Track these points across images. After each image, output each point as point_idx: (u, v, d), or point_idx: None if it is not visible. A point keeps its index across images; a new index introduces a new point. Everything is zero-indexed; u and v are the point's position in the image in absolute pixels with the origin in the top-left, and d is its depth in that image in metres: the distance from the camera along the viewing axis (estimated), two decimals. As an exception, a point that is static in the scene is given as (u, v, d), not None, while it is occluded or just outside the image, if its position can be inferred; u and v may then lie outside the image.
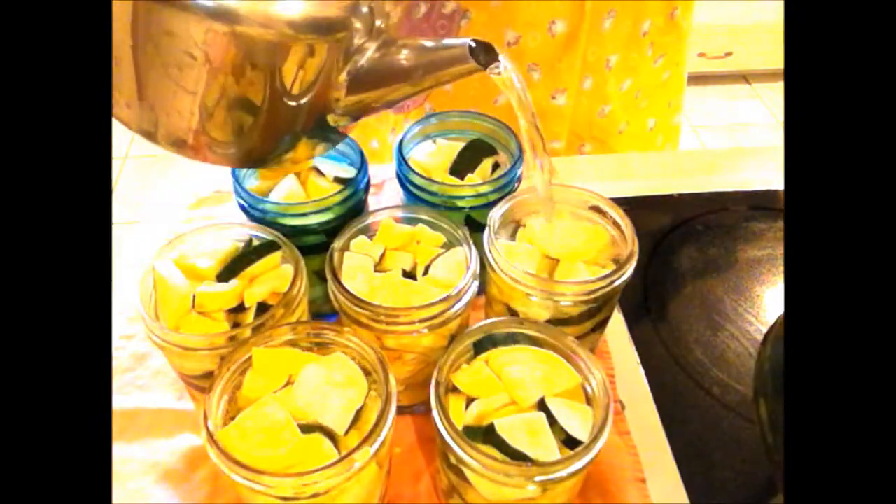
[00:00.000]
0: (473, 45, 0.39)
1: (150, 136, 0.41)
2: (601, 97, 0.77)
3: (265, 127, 0.41)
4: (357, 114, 0.43)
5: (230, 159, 0.44)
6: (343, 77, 0.39)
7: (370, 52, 0.39)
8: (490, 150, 0.56)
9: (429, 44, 0.40)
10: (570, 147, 0.80)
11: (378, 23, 0.39)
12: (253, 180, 0.52)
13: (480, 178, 0.54)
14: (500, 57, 0.41)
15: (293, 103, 0.40)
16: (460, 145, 0.55)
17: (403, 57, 0.40)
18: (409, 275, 0.47)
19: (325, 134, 0.45)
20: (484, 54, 0.40)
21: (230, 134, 0.41)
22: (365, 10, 0.38)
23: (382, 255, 0.48)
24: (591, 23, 0.70)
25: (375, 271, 0.46)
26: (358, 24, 0.38)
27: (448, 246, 0.48)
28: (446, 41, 0.41)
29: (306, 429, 0.38)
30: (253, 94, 0.38)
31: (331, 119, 0.42)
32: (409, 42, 0.41)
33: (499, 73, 0.41)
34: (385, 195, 0.69)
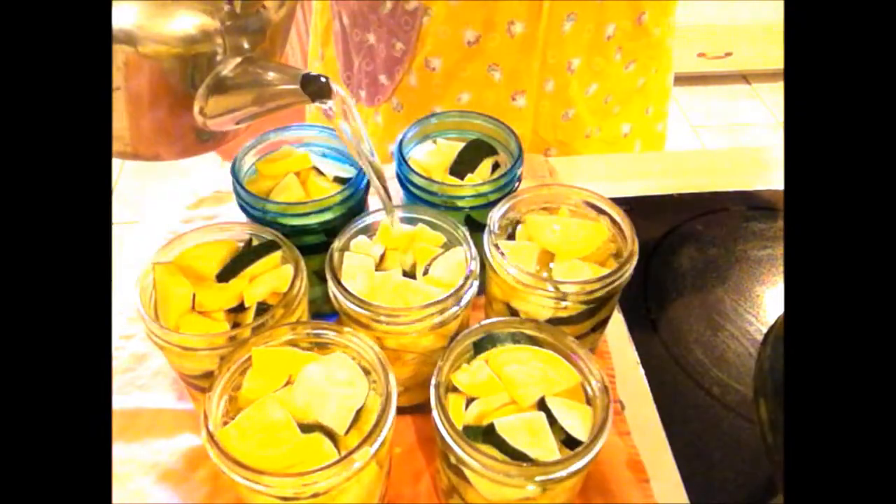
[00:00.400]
0: (304, 75, 0.43)
1: None
2: (564, 100, 0.77)
3: (147, 126, 0.46)
4: (222, 122, 0.46)
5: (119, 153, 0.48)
6: (203, 88, 0.44)
7: (230, 67, 0.44)
8: (490, 150, 0.56)
9: (271, 73, 0.44)
10: (535, 150, 0.80)
11: (243, 44, 0.44)
12: (253, 180, 0.52)
13: (480, 178, 0.54)
14: (334, 94, 0.44)
15: (161, 106, 0.45)
16: (460, 145, 0.55)
17: (249, 76, 0.44)
18: (409, 275, 0.47)
19: (199, 136, 0.49)
20: (315, 88, 0.43)
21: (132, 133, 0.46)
22: (212, 28, 0.43)
23: (382, 256, 0.48)
24: (549, 24, 0.70)
25: (376, 271, 0.46)
26: (216, 41, 0.43)
27: (448, 246, 0.48)
28: (287, 72, 0.44)
29: (306, 428, 0.38)
30: (127, 98, 0.44)
31: (199, 123, 0.46)
32: (265, 65, 0.45)
33: (327, 110, 0.44)
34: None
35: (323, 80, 0.43)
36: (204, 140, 0.49)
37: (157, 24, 0.42)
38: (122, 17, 0.41)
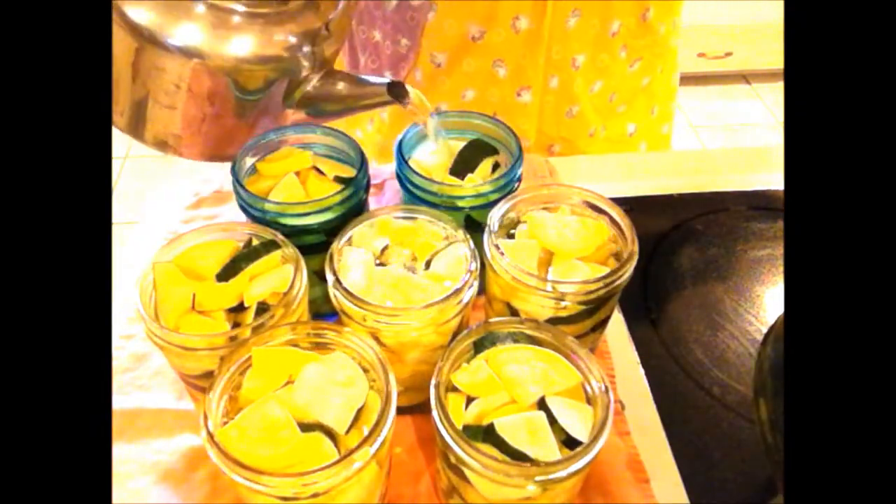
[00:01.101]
0: (388, 83, 0.51)
1: (139, 136, 0.53)
2: (568, 97, 0.77)
3: (229, 132, 0.53)
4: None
5: (198, 156, 0.55)
6: (294, 98, 0.52)
7: (314, 80, 0.51)
8: (490, 150, 0.56)
9: (357, 80, 0.52)
10: (539, 146, 0.81)
11: (318, 59, 0.51)
12: (253, 180, 0.52)
13: (481, 178, 0.54)
14: (409, 94, 0.52)
15: (247, 114, 0.52)
16: (460, 145, 0.55)
17: (339, 88, 0.52)
18: (410, 269, 0.47)
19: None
20: (395, 91, 0.51)
21: (199, 138, 0.53)
22: (306, 49, 0.50)
23: (384, 249, 0.48)
24: (554, 20, 0.70)
25: (377, 265, 0.46)
26: (300, 59, 0.50)
27: (448, 241, 0.48)
28: (371, 79, 0.53)
29: (306, 428, 0.38)
30: (218, 109, 0.51)
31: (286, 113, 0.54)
32: (344, 76, 0.53)
33: (408, 105, 0.52)
34: (385, 195, 0.69)
35: (400, 84, 0.51)
36: None
37: (256, 47, 0.48)
38: (222, 34, 0.47)
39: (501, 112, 0.76)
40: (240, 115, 0.51)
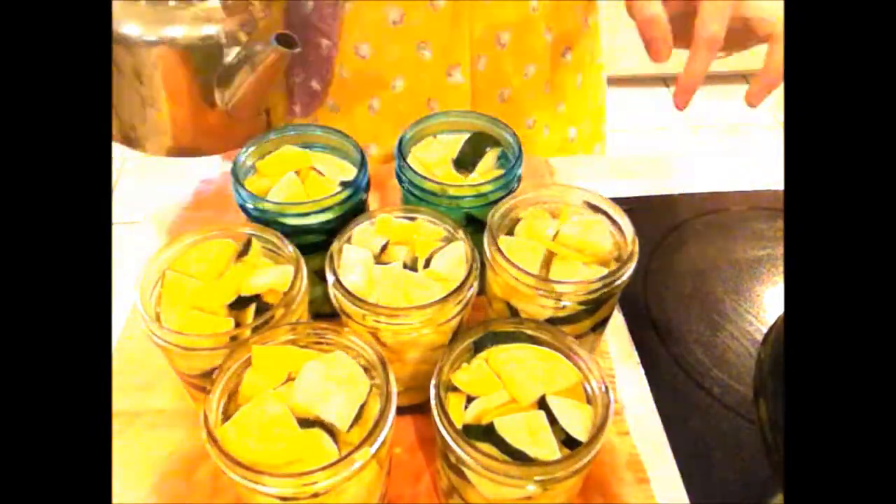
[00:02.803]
0: (276, 37, 0.53)
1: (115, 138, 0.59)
2: (498, 79, 0.75)
3: (178, 122, 0.57)
4: (244, 106, 0.56)
5: (160, 149, 0.59)
6: (216, 80, 0.55)
7: (231, 55, 0.54)
8: (493, 142, 0.56)
9: (256, 47, 0.54)
10: None
11: (239, 35, 0.54)
12: (253, 180, 0.52)
13: (486, 167, 0.54)
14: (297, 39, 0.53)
15: (182, 99, 0.55)
16: (460, 140, 0.56)
17: (245, 57, 0.54)
18: (410, 267, 0.47)
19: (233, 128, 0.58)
20: (285, 40, 0.53)
21: (152, 129, 0.57)
22: (228, 28, 0.54)
23: (384, 247, 0.48)
24: None
25: (377, 263, 0.46)
26: (218, 37, 0.54)
27: (448, 240, 0.48)
28: (263, 39, 0.53)
29: (305, 424, 0.38)
30: (151, 95, 0.55)
31: (223, 109, 0.56)
32: (252, 44, 0.54)
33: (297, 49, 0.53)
34: (385, 195, 0.69)
35: (287, 33, 0.53)
36: (240, 131, 0.57)
37: (165, 28, 0.52)
38: (139, 20, 0.52)
39: (436, 97, 0.74)
40: (178, 101, 0.55)
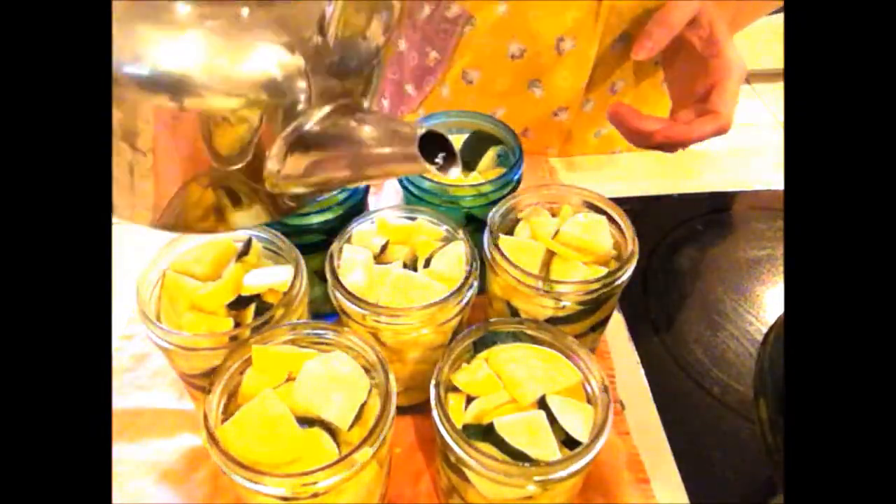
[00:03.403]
0: (425, 139, 0.32)
1: None
2: (601, 119, 0.74)
3: (181, 191, 0.36)
4: (299, 189, 0.36)
5: (146, 220, 0.39)
6: (281, 144, 0.33)
7: (315, 118, 0.33)
8: (493, 140, 0.56)
9: (373, 128, 0.33)
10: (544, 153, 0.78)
11: (334, 87, 0.34)
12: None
13: (486, 166, 0.54)
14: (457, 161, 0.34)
15: (216, 169, 0.34)
16: (461, 139, 0.56)
17: (344, 134, 0.33)
18: (410, 267, 0.47)
19: (268, 209, 0.38)
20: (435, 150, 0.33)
21: (135, 195, 0.37)
22: (302, 69, 0.32)
23: (384, 247, 0.48)
24: (601, 44, 0.66)
25: (376, 263, 0.46)
26: (299, 85, 0.32)
27: (448, 240, 0.49)
28: (397, 128, 0.33)
29: (305, 424, 0.38)
30: (172, 161, 0.34)
31: (269, 187, 0.35)
32: (363, 117, 0.34)
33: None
34: (385, 195, 0.69)
35: (444, 140, 0.33)
36: (275, 209, 0.38)
37: (220, 66, 0.30)
38: (170, 50, 0.29)
39: (533, 129, 0.73)
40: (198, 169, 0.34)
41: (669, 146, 0.60)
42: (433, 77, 0.71)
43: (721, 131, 0.56)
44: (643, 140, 0.61)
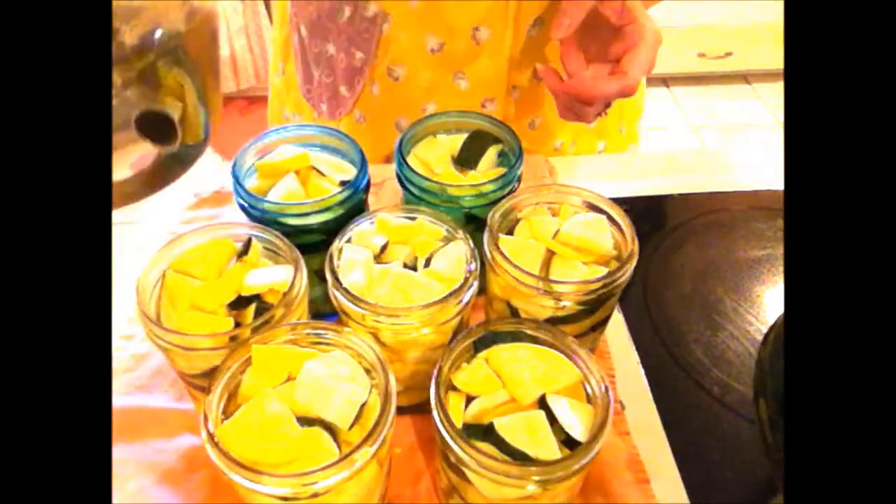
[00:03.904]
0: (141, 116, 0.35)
1: None
2: (532, 107, 0.75)
3: None
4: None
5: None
6: None
7: None
8: (494, 139, 0.56)
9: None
10: None
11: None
12: (253, 180, 0.52)
13: (486, 165, 0.54)
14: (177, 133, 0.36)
15: None
16: (460, 138, 0.56)
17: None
18: (410, 267, 0.47)
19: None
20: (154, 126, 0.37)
21: None
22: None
23: (384, 247, 0.48)
24: (516, 29, 0.68)
25: (376, 263, 0.46)
26: None
27: (448, 239, 0.49)
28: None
29: (305, 423, 0.38)
30: None
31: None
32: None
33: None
34: (385, 195, 0.69)
35: (165, 114, 0.33)
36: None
37: None
38: None
39: None
40: None
41: (579, 107, 0.60)
42: (362, 77, 0.73)
43: (625, 92, 0.57)
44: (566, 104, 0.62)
